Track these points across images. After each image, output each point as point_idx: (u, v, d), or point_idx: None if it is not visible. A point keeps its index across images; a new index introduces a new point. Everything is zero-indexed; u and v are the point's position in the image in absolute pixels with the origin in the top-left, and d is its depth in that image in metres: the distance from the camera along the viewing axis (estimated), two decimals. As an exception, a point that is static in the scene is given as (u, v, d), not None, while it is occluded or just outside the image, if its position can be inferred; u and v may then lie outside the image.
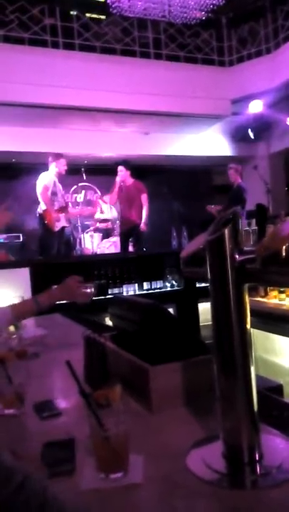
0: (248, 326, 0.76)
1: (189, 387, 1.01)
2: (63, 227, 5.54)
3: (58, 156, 5.51)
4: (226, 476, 0.75)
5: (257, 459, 0.76)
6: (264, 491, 0.72)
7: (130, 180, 5.78)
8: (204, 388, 1.02)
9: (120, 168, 5.75)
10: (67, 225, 5.56)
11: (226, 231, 0.75)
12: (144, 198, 5.72)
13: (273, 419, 0.90)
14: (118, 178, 5.76)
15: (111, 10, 6.10)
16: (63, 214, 5.50)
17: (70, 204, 8.49)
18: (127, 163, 5.84)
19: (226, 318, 0.75)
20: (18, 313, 1.72)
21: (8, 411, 1.08)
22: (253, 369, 0.77)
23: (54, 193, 5.44)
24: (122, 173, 5.72)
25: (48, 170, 5.58)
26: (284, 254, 0.64)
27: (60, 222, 5.44)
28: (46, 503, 0.55)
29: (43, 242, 5.56)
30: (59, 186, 5.59)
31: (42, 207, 5.41)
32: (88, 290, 1.82)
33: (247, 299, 0.77)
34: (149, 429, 0.93)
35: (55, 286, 1.81)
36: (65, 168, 5.53)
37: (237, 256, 0.75)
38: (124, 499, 0.71)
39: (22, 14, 6.46)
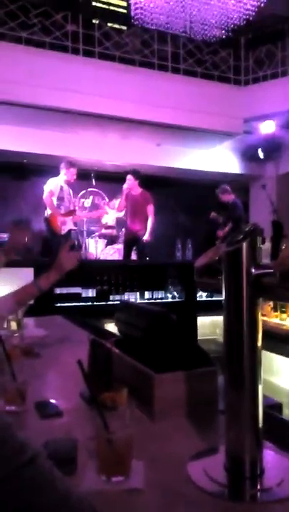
0: (260, 342, 0.77)
1: (192, 398, 1.02)
2: (70, 230, 5.58)
3: (70, 165, 5.63)
4: (226, 488, 0.75)
5: (258, 473, 0.77)
6: (264, 505, 0.72)
7: (138, 190, 5.81)
8: (207, 400, 1.03)
9: (129, 176, 5.78)
10: (74, 228, 5.61)
11: (244, 244, 0.76)
12: (151, 208, 5.74)
13: (275, 437, 0.91)
14: (125, 186, 5.79)
15: (133, 21, 6.19)
16: (70, 217, 5.56)
17: (77, 208, 8.57)
18: (136, 172, 5.87)
19: (239, 331, 0.76)
20: (19, 298, 1.74)
21: (10, 408, 1.08)
22: (260, 386, 0.77)
23: (61, 198, 5.54)
24: (130, 182, 5.75)
25: (58, 174, 5.67)
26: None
27: (67, 226, 5.53)
28: (54, 480, 0.56)
29: (46, 244, 5.63)
30: (67, 191, 5.66)
31: (48, 211, 5.53)
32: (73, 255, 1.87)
33: (260, 314, 0.78)
34: (150, 436, 0.94)
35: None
36: (74, 177, 5.65)
37: (253, 270, 0.76)
38: (125, 503, 0.71)
39: (45, 19, 6.56)
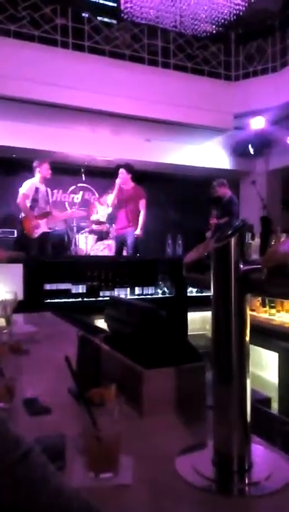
0: (247, 337, 0.77)
1: (181, 393, 1.02)
2: (46, 233, 5.50)
3: (41, 161, 5.56)
4: (214, 482, 0.76)
5: (246, 468, 0.77)
6: (252, 500, 0.73)
7: (130, 185, 5.78)
8: (195, 395, 1.03)
9: (121, 170, 5.74)
10: (49, 230, 5.51)
11: (233, 240, 0.76)
12: (143, 203, 5.73)
13: (263, 431, 0.91)
14: (118, 181, 5.76)
15: (123, 15, 6.14)
16: (45, 220, 5.48)
17: (66, 204, 8.51)
18: (129, 166, 5.83)
19: (227, 326, 0.76)
20: None
21: (-2, 404, 1.07)
22: (248, 381, 0.78)
23: (35, 200, 5.47)
24: (123, 176, 5.73)
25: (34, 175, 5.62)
26: (291, 266, 0.65)
27: (40, 229, 5.43)
28: (48, 475, 0.56)
29: (17, 246, 5.57)
30: (44, 191, 5.57)
31: (22, 214, 5.49)
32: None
33: (248, 309, 0.78)
34: (139, 432, 0.94)
35: None
36: (49, 172, 5.56)
37: (241, 265, 0.76)
38: (113, 499, 0.71)
39: (34, 12, 6.48)
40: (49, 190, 5.72)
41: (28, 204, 5.43)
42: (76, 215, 6.67)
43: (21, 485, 0.53)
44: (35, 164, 5.57)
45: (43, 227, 5.47)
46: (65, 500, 0.56)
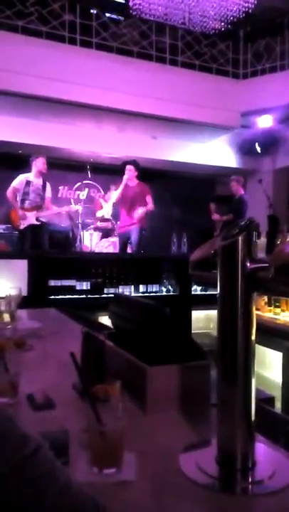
0: (253, 336, 0.77)
1: (185, 391, 1.02)
2: (33, 226, 5.45)
3: (37, 156, 5.57)
4: (217, 480, 0.76)
5: (250, 466, 0.77)
6: (255, 498, 0.73)
7: (135, 181, 5.75)
8: (199, 393, 1.03)
9: (130, 167, 5.70)
10: (37, 223, 5.47)
11: (240, 238, 0.75)
12: (149, 199, 5.67)
13: (267, 430, 0.91)
14: (126, 177, 5.71)
15: (131, 11, 6.12)
16: (34, 212, 5.45)
17: (72, 200, 8.51)
18: (136, 163, 5.79)
19: (233, 324, 0.76)
20: None
21: (2, 399, 1.07)
22: (253, 379, 0.77)
23: (26, 193, 5.49)
24: (131, 173, 5.69)
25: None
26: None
27: (28, 220, 5.42)
28: (56, 471, 0.57)
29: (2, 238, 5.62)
30: (37, 185, 5.55)
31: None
32: None
33: (254, 308, 0.78)
34: (142, 429, 0.94)
35: None
36: (45, 166, 5.55)
37: (248, 264, 0.75)
38: (116, 495, 0.71)
39: (42, 8, 6.47)
40: (49, 185, 5.68)
41: (19, 197, 5.47)
42: (65, 212, 6.37)
43: (33, 481, 0.54)
44: (31, 158, 5.59)
45: (31, 219, 5.44)
46: (73, 496, 0.57)
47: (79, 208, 6.33)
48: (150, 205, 5.65)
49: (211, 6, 5.93)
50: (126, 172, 5.71)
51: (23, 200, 5.49)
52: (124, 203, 5.77)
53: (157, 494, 0.72)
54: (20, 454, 0.54)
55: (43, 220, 5.60)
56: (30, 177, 5.56)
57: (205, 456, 0.80)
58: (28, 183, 5.51)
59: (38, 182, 5.57)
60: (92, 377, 1.05)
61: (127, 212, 5.74)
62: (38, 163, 5.53)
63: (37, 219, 5.49)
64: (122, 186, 5.73)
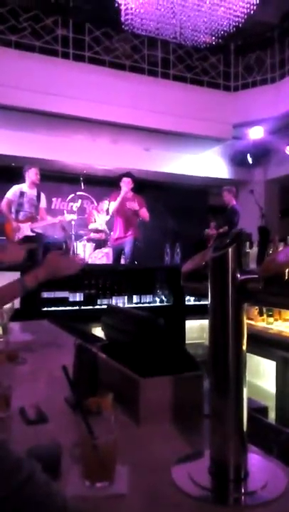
0: (244, 346, 0.77)
1: (178, 403, 1.02)
2: (28, 237, 5.41)
3: (30, 167, 5.58)
4: (210, 491, 0.75)
5: (242, 477, 0.77)
6: (248, 509, 0.73)
7: (130, 194, 5.77)
8: (192, 404, 1.03)
9: (127, 180, 5.70)
10: (32, 234, 5.45)
11: (230, 250, 0.76)
12: (144, 212, 5.69)
13: (260, 440, 0.91)
14: (125, 189, 5.68)
15: (123, 26, 6.21)
16: (28, 224, 5.45)
17: (65, 212, 8.51)
18: (132, 176, 5.81)
19: (224, 335, 0.76)
20: (2, 295, 1.60)
21: (-6, 413, 1.07)
22: (245, 390, 0.78)
23: (20, 204, 5.49)
24: (129, 185, 5.68)
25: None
26: (287, 276, 0.66)
27: (22, 232, 5.41)
28: (52, 494, 0.57)
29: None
30: (31, 195, 5.55)
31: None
32: (75, 261, 1.77)
33: (245, 319, 0.78)
34: (135, 441, 0.93)
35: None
36: (38, 176, 5.56)
37: (239, 275, 0.76)
38: (109, 508, 0.71)
39: (35, 23, 6.55)
40: (43, 195, 5.67)
41: (14, 209, 5.47)
42: (58, 221, 6.18)
43: (29, 506, 0.54)
44: (24, 169, 5.60)
45: (25, 231, 5.43)
46: None
47: (73, 217, 6.27)
48: (146, 217, 5.69)
49: (202, 20, 6.04)
50: (123, 184, 5.70)
51: (17, 212, 5.49)
52: (120, 215, 5.77)
53: (150, 507, 0.71)
54: (16, 478, 0.54)
55: (39, 231, 5.58)
56: (24, 188, 5.56)
57: (198, 468, 0.80)
58: (22, 194, 5.51)
59: (32, 193, 5.58)
60: (84, 390, 1.05)
61: (122, 224, 5.74)
62: (31, 174, 5.53)
63: (32, 230, 5.47)
64: (119, 199, 5.70)
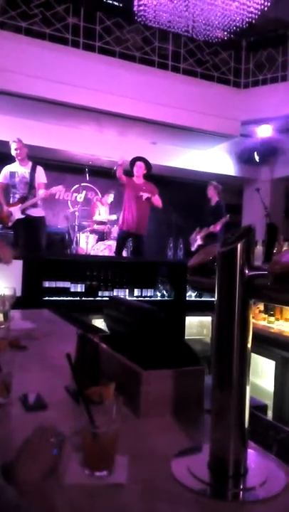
0: (249, 343, 0.77)
1: (179, 396, 1.02)
2: (19, 220, 5.05)
3: (13, 141, 5.07)
4: (209, 486, 0.75)
5: (242, 473, 0.77)
6: (245, 505, 0.73)
7: (141, 180, 5.57)
8: (193, 398, 1.03)
9: (140, 163, 5.54)
10: (22, 216, 5.01)
11: (239, 245, 0.76)
12: (157, 198, 5.50)
13: (259, 437, 0.91)
14: (134, 169, 5.51)
15: (136, 18, 6.16)
16: (18, 206, 5.03)
17: (69, 202, 8.50)
18: (146, 161, 5.60)
19: (229, 330, 0.76)
20: None
21: (-6, 399, 1.07)
22: (248, 387, 0.77)
23: (14, 186, 5.09)
24: (140, 170, 5.52)
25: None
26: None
27: (15, 216, 5.04)
28: None
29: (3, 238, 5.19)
30: (23, 174, 5.07)
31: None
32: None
33: (251, 315, 0.78)
34: (135, 433, 0.93)
35: None
36: (18, 151, 5.02)
37: (247, 271, 0.76)
38: (107, 498, 0.71)
39: (46, 10, 6.50)
40: (40, 169, 5.12)
41: (11, 193, 5.10)
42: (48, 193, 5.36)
43: None
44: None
45: (16, 214, 5.04)
46: None
47: (60, 188, 5.53)
48: (159, 205, 5.52)
49: (215, 15, 5.98)
50: (135, 168, 5.53)
51: (14, 195, 5.10)
52: (128, 202, 5.52)
53: (148, 498, 0.71)
54: None
55: (39, 214, 5.15)
56: (14, 167, 5.11)
57: (197, 462, 0.80)
58: (12, 174, 5.09)
59: (23, 171, 5.09)
60: (86, 380, 1.05)
61: (129, 211, 5.47)
62: (12, 150, 5.03)
63: (22, 212, 5.04)
64: (124, 179, 5.46)
